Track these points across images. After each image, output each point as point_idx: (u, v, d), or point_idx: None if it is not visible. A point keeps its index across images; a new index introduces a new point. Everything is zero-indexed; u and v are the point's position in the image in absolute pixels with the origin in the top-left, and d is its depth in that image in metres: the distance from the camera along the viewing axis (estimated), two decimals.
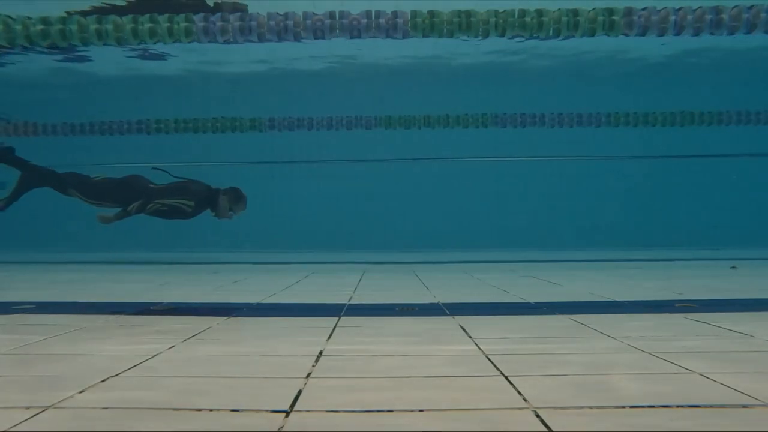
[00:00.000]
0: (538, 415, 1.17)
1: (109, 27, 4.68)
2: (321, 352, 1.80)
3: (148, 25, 4.69)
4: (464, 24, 4.72)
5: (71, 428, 1.12)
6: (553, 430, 1.09)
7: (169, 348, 1.88)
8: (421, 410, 1.22)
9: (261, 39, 4.82)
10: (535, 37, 4.82)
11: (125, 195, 6.98)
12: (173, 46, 7.68)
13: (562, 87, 12.52)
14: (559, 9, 4.72)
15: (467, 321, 2.41)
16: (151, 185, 7.06)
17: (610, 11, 4.66)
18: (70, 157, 10.42)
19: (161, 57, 12.30)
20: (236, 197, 7.12)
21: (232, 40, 4.81)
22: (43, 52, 11.17)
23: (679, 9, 4.67)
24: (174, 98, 12.15)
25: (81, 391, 1.36)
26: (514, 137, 9.63)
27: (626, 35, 4.80)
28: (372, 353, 1.80)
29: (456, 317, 2.52)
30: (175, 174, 7.19)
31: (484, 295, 3.51)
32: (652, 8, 4.68)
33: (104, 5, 8.77)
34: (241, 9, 5.30)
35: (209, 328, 2.28)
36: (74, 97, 12.81)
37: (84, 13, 6.37)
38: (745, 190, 13.32)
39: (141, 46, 10.20)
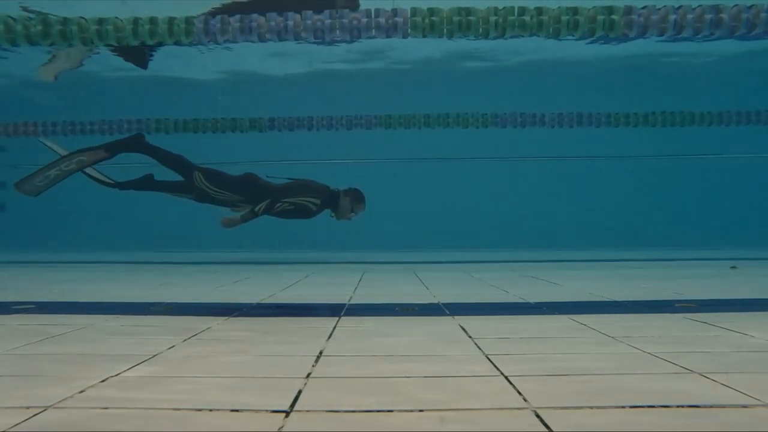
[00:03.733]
0: (538, 415, 1.17)
1: (110, 27, 4.68)
2: (321, 352, 1.81)
3: (147, 26, 4.69)
4: (464, 23, 4.71)
5: (71, 428, 1.12)
6: (553, 430, 1.09)
7: (169, 348, 1.88)
8: (421, 410, 1.22)
9: (261, 39, 4.82)
10: (535, 36, 4.81)
11: (246, 192, 6.76)
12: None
13: (562, 87, 12.52)
14: (558, 7, 4.72)
15: (467, 321, 2.41)
16: (270, 184, 6.84)
17: (610, 10, 4.66)
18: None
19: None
20: (358, 198, 6.94)
21: (232, 40, 4.81)
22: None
23: (679, 8, 4.67)
24: (174, 98, 12.16)
25: (81, 391, 1.36)
26: (514, 137, 9.63)
27: (626, 35, 4.80)
28: (372, 353, 1.80)
29: (456, 317, 2.52)
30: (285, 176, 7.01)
31: (484, 295, 3.51)
32: (651, 7, 4.67)
33: (232, 2, 8.64)
34: (353, 6, 5.27)
35: (209, 328, 2.28)
36: (74, 96, 12.81)
37: (212, 13, 6.28)
38: (745, 190, 13.32)
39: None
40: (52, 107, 11.12)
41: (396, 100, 9.99)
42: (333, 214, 7.03)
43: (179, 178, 6.88)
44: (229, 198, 6.79)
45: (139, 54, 7.59)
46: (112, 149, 6.87)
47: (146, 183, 6.92)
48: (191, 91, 13.14)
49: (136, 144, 6.95)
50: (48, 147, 6.90)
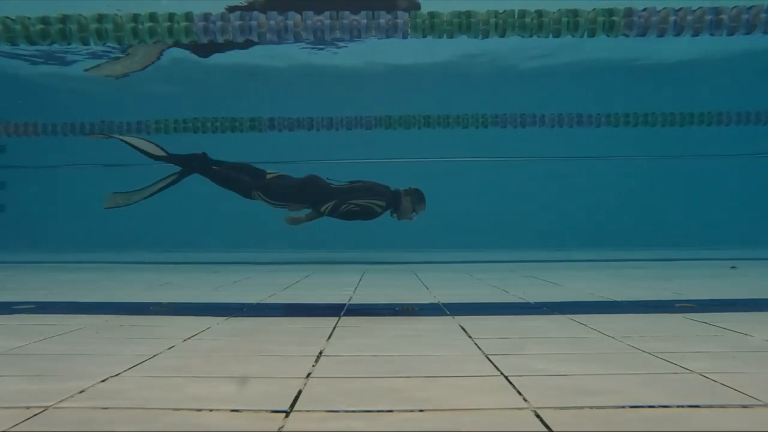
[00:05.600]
0: (538, 415, 1.17)
1: (109, 27, 4.67)
2: (321, 352, 1.80)
3: (148, 25, 4.69)
4: (464, 24, 4.72)
5: (71, 428, 1.12)
6: (553, 430, 1.09)
7: (169, 348, 1.88)
8: (421, 410, 1.22)
9: (261, 39, 4.82)
10: (535, 36, 4.82)
11: (309, 195, 6.73)
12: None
13: (562, 87, 12.52)
14: (559, 10, 4.72)
15: (467, 321, 2.41)
16: (333, 185, 6.83)
17: (611, 12, 4.66)
18: (71, 157, 10.44)
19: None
20: (419, 197, 6.92)
21: (232, 39, 4.81)
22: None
23: (679, 9, 4.67)
24: (174, 98, 12.16)
25: (81, 391, 1.36)
26: (514, 137, 9.63)
27: (626, 36, 4.80)
28: (372, 353, 1.80)
29: (456, 317, 2.52)
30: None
31: (484, 295, 3.51)
32: (652, 9, 4.68)
33: None
34: (415, 7, 5.25)
35: (209, 328, 2.28)
36: (74, 96, 12.81)
37: (263, 7, 6.17)
38: (745, 190, 13.32)
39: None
40: (52, 106, 11.10)
41: (396, 100, 9.98)
42: (395, 214, 7.02)
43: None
44: (290, 207, 6.80)
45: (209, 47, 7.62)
46: (174, 161, 6.89)
47: (198, 162, 6.83)
48: (192, 91, 13.14)
49: (200, 162, 6.89)
50: (122, 141, 6.90)
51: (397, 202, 6.86)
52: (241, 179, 6.81)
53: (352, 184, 6.91)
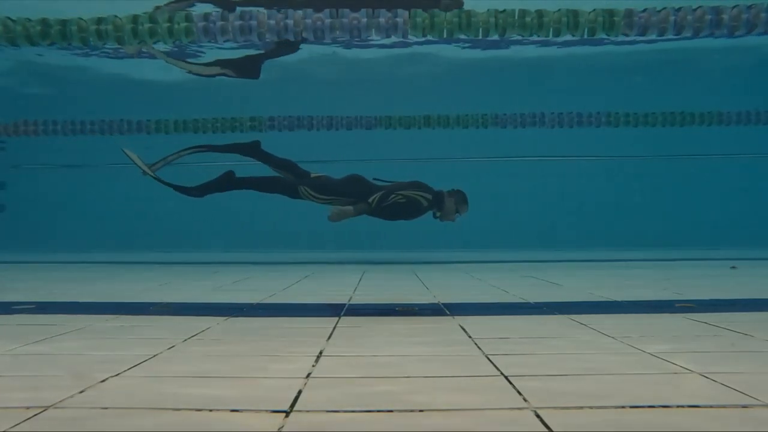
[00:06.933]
0: (538, 415, 1.17)
1: (109, 27, 4.67)
2: (321, 352, 1.80)
3: (147, 25, 4.69)
4: (464, 24, 4.72)
5: (71, 428, 1.12)
6: (554, 430, 1.09)
7: (169, 348, 1.88)
8: (421, 410, 1.22)
9: (261, 39, 4.82)
10: (535, 35, 4.81)
11: (355, 191, 6.76)
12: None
13: (563, 87, 12.51)
14: (559, 10, 4.72)
15: (467, 321, 2.41)
16: (376, 184, 6.87)
17: (611, 13, 4.66)
18: (71, 157, 10.44)
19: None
20: (462, 198, 6.95)
21: (232, 39, 4.81)
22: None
23: (679, 9, 4.67)
24: (175, 98, 12.15)
25: (81, 391, 1.36)
26: (514, 137, 9.63)
27: (626, 35, 4.80)
28: (372, 353, 1.80)
29: (456, 317, 2.52)
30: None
31: (484, 295, 3.51)
32: (652, 9, 4.68)
33: None
34: (458, 5, 5.23)
35: (209, 328, 2.28)
36: (73, 95, 12.81)
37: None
38: (745, 190, 13.31)
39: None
40: (51, 106, 11.09)
41: (396, 100, 9.98)
42: (438, 215, 7.03)
43: (267, 173, 6.99)
44: (337, 202, 6.80)
45: (252, 67, 7.61)
46: (228, 151, 7.05)
47: (228, 182, 6.93)
48: (191, 91, 13.14)
49: (252, 150, 7.02)
50: (128, 156, 7.01)
51: (441, 202, 6.88)
52: (289, 174, 6.93)
53: (395, 183, 6.96)
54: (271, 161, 7.02)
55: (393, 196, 6.66)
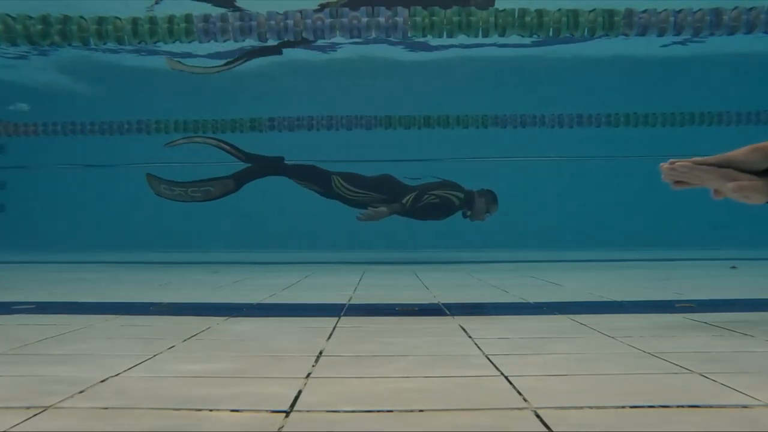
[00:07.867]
0: (538, 415, 1.17)
1: (109, 27, 4.68)
2: (321, 352, 1.80)
3: (147, 26, 4.69)
4: (464, 23, 4.71)
5: (71, 428, 1.12)
6: (554, 430, 1.09)
7: (169, 348, 1.88)
8: (421, 410, 1.22)
9: (261, 39, 4.82)
10: (536, 35, 4.81)
11: (387, 189, 6.76)
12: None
13: (562, 87, 12.52)
14: (559, 9, 4.72)
15: (467, 321, 2.41)
16: (407, 184, 6.88)
17: (611, 13, 4.66)
18: (71, 157, 10.43)
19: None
20: (493, 198, 6.96)
21: (232, 40, 4.81)
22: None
23: (680, 11, 4.67)
24: (175, 98, 12.15)
25: (81, 391, 1.36)
26: (514, 137, 9.63)
27: (626, 35, 4.80)
28: (372, 353, 1.80)
29: (456, 317, 2.52)
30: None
31: (484, 295, 3.51)
32: (652, 10, 4.68)
33: None
34: (489, 5, 5.21)
35: (209, 328, 2.28)
36: (74, 95, 12.81)
37: (338, 4, 6.17)
38: None
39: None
40: (51, 106, 11.09)
41: (395, 100, 9.98)
42: (468, 214, 7.04)
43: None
44: (368, 199, 6.78)
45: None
46: (243, 178, 7.01)
47: (274, 167, 6.97)
48: (192, 91, 13.13)
49: (276, 167, 7.02)
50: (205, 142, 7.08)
51: (472, 202, 6.88)
52: (318, 169, 6.98)
53: (426, 183, 6.96)
54: (298, 174, 6.98)
55: (426, 196, 6.66)
